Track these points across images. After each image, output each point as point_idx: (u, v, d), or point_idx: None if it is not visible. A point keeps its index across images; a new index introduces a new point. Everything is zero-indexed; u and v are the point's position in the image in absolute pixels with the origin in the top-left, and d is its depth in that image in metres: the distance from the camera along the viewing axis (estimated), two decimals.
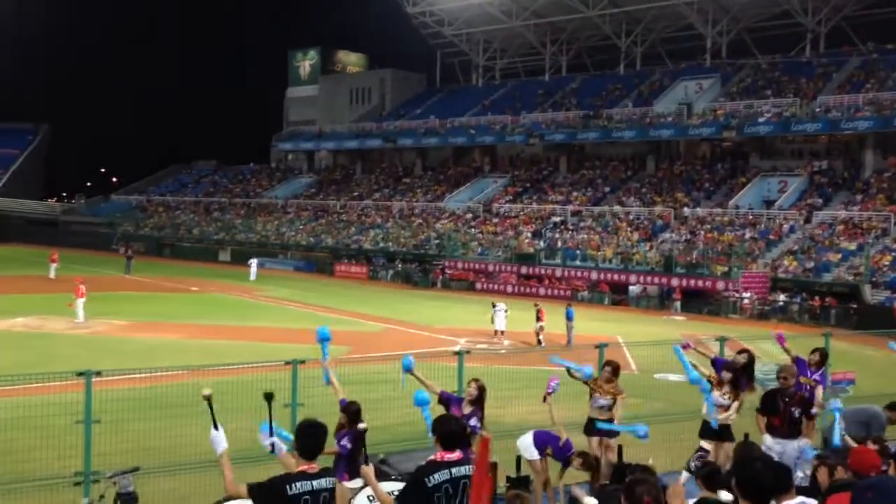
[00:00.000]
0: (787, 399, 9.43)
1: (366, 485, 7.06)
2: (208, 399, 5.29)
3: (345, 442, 7.62)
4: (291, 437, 7.18)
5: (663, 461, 9.83)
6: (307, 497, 4.99)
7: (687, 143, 55.36)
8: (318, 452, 5.23)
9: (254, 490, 5.04)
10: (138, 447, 9.65)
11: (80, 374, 8.13)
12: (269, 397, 5.75)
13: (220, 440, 5.13)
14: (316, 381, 9.79)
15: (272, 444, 5.75)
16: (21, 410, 9.16)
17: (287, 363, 9.21)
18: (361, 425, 6.93)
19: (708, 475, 6.03)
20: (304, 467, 5.11)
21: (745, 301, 36.41)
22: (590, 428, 9.83)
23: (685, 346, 10.74)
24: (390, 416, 10.58)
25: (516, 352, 21.70)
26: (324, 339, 8.37)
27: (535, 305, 26.24)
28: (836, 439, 8.41)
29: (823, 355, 11.43)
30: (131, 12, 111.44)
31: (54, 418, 8.95)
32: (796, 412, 9.38)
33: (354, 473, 7.38)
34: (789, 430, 9.41)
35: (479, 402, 8.65)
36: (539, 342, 24.39)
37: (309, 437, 5.24)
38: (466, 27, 67.72)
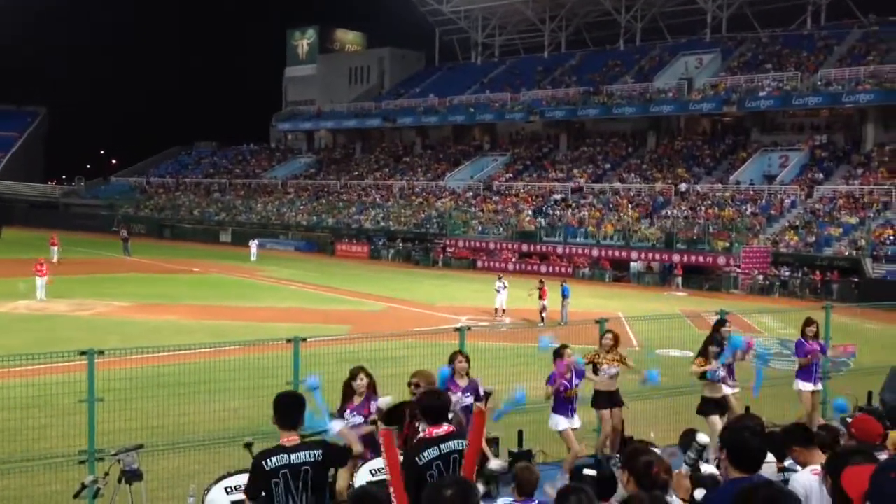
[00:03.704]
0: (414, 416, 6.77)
1: (368, 459, 7.09)
2: None
3: (356, 418, 7.60)
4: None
5: (665, 435, 9.90)
6: (285, 471, 5.01)
7: (687, 119, 55.17)
8: (296, 423, 5.22)
9: (246, 488, 5.27)
10: (142, 426, 9.72)
11: (83, 353, 8.17)
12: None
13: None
14: (316, 359, 9.85)
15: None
16: (25, 390, 9.22)
17: (288, 341, 9.25)
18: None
19: (689, 445, 6.06)
20: (283, 440, 5.14)
21: (744, 277, 36.47)
22: (598, 400, 9.85)
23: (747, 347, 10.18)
24: (392, 394, 10.63)
25: (518, 329, 21.75)
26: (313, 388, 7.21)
27: (540, 284, 25.83)
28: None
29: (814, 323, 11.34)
30: None
31: (58, 398, 9.01)
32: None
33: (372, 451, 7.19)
34: None
35: (468, 374, 8.69)
36: (542, 319, 24.43)
37: (287, 408, 5.23)
38: (465, 4, 67.19)
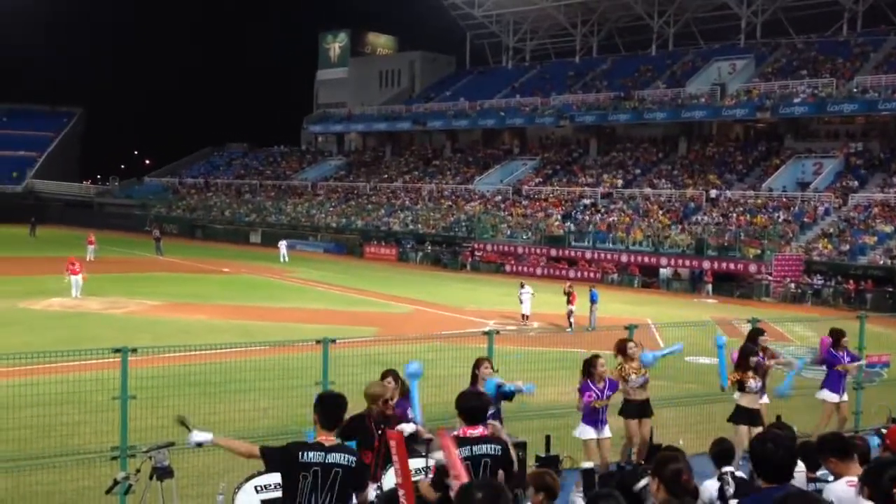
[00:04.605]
0: (381, 429, 6.56)
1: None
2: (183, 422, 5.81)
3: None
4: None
5: (694, 443, 9.82)
6: (317, 468, 5.03)
7: (720, 125, 54.65)
8: (337, 423, 5.26)
9: (266, 452, 5.18)
10: (173, 423, 9.79)
11: (117, 350, 8.27)
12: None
13: (201, 435, 5.58)
14: (343, 361, 9.89)
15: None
16: (59, 386, 9.35)
17: (318, 342, 9.30)
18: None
19: (719, 454, 6.00)
20: (321, 438, 5.16)
21: (776, 284, 36.02)
22: (628, 410, 9.75)
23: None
24: (421, 395, 10.65)
25: (546, 333, 21.70)
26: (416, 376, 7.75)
27: (569, 288, 25.69)
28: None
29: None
30: None
31: (91, 394, 9.13)
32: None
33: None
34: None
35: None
36: (570, 324, 24.30)
37: (331, 408, 5.27)
38: (496, 8, 67.24)
